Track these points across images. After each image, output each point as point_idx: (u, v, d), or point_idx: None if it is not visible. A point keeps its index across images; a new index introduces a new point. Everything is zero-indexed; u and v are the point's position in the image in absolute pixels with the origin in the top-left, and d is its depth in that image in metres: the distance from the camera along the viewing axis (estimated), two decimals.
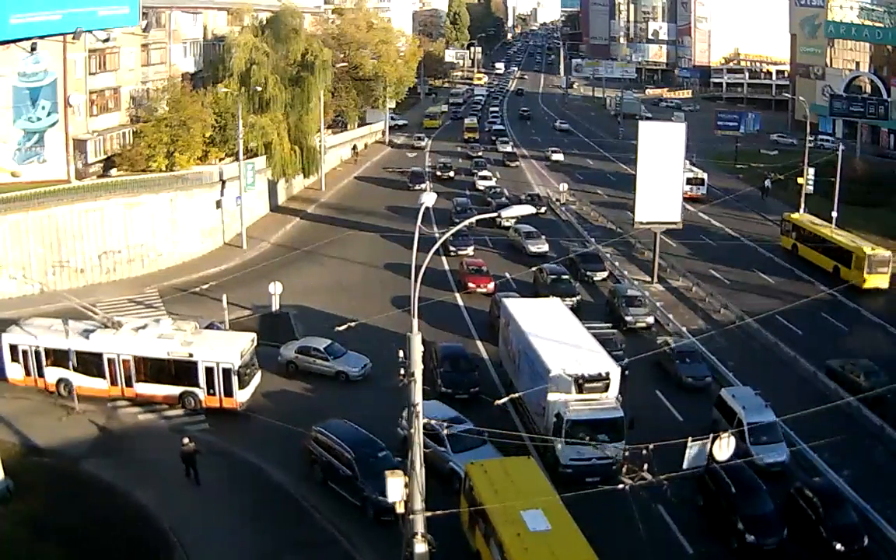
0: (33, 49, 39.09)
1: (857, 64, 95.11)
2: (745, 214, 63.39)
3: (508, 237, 53.61)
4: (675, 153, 45.65)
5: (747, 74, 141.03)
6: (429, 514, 18.30)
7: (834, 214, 53.84)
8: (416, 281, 17.68)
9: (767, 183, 67.17)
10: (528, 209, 21.84)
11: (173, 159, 51.24)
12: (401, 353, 18.39)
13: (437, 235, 40.70)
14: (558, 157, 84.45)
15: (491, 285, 44.16)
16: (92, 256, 44.46)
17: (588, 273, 46.31)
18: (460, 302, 42.91)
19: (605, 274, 46.88)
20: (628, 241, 52.82)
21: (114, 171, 50.69)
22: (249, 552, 23.21)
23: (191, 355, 30.57)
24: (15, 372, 31.97)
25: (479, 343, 37.72)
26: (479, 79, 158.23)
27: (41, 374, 31.65)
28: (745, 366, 35.28)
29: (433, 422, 24.89)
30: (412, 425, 18.17)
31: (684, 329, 39.34)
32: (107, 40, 49.08)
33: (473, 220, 34.12)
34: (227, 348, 30.84)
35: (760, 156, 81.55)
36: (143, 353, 30.92)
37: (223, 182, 51.87)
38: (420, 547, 18.21)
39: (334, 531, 24.10)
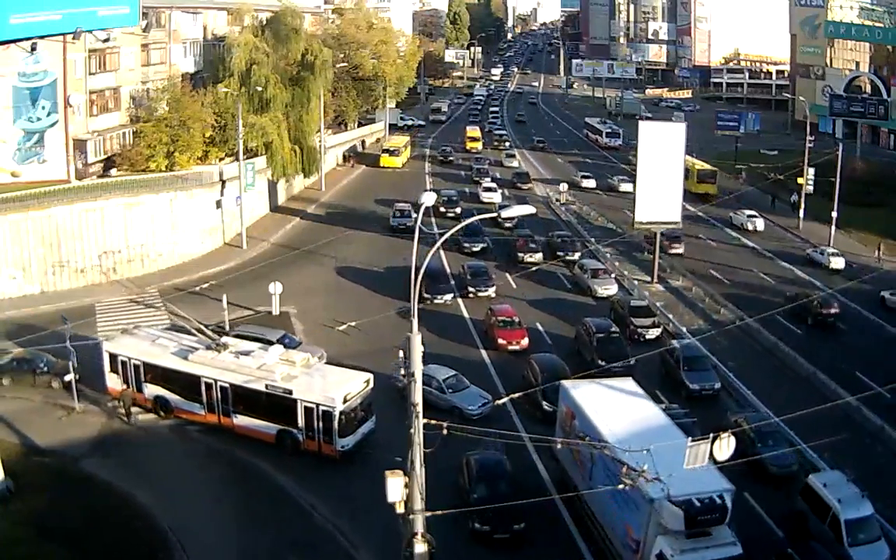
0: (33, 49, 38.95)
1: (857, 64, 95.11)
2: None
3: (573, 274, 46.61)
4: (675, 153, 45.63)
5: (747, 74, 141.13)
6: (429, 514, 18.28)
7: (834, 214, 54.04)
8: (415, 281, 17.66)
9: (794, 198, 61.08)
10: (528, 209, 20.91)
11: (173, 159, 51.26)
12: (401, 354, 18.30)
13: (436, 235, 40.43)
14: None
15: (525, 341, 36.50)
16: (92, 256, 44.42)
17: (640, 330, 38.01)
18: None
19: (658, 331, 38.42)
20: (628, 241, 52.87)
21: (114, 171, 50.71)
22: (249, 552, 23.20)
23: (290, 392, 27.64)
24: (114, 382, 31.03)
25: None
26: (468, 90, 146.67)
27: (139, 390, 30.41)
28: (746, 366, 35.25)
29: None
30: (412, 425, 18.12)
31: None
32: (107, 40, 49.02)
33: (473, 220, 34.03)
34: (331, 388, 27.39)
35: (760, 156, 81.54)
36: (241, 382, 28.38)
37: (223, 182, 51.86)
38: (420, 547, 18.20)
39: (334, 531, 24.11)
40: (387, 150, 78.78)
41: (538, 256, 48.63)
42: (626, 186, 67.17)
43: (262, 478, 26.79)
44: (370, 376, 28.40)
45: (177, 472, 27.13)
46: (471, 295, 42.64)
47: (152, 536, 23.28)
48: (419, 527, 18.16)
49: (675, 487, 20.11)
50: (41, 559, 22.05)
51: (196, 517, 24.40)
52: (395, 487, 17.85)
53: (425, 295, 39.64)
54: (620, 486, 19.84)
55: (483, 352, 36.69)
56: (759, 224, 59.10)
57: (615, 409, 24.75)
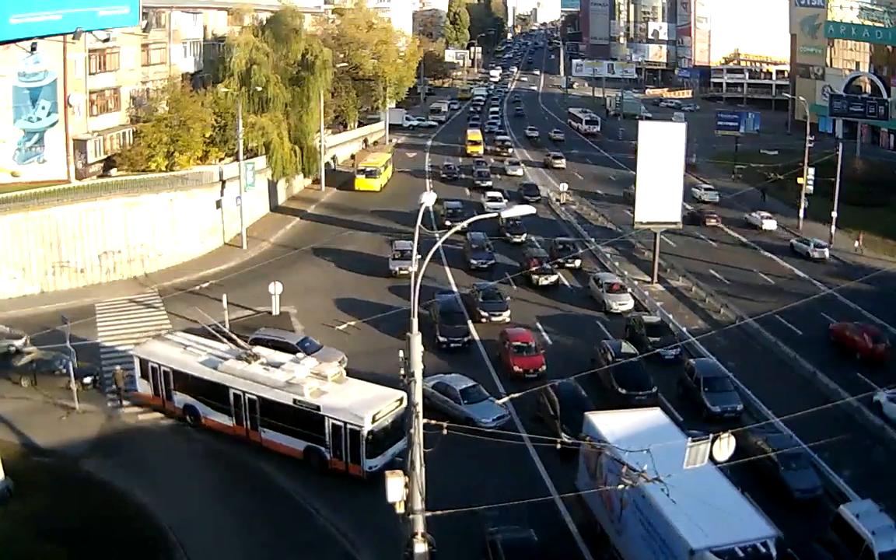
0: (33, 49, 39.07)
1: (857, 64, 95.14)
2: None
3: (589, 289, 44.85)
4: (675, 153, 45.62)
5: (747, 74, 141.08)
6: (429, 514, 18.28)
7: (834, 214, 54.03)
8: (415, 282, 17.65)
9: (802, 202, 59.19)
10: (528, 209, 20.95)
11: (173, 159, 51.22)
12: (401, 353, 18.28)
13: (436, 236, 40.29)
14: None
15: (542, 367, 33.91)
16: (92, 256, 44.41)
17: (658, 351, 35.38)
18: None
19: (676, 351, 36.14)
20: (628, 241, 52.87)
21: (114, 171, 50.68)
22: (249, 552, 23.21)
23: (317, 408, 26.60)
24: (144, 388, 30.76)
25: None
26: (465, 95, 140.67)
27: (169, 397, 30.05)
28: (746, 366, 35.19)
29: None
30: (412, 425, 18.11)
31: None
32: (107, 40, 49.04)
33: (471, 221, 33.87)
34: (359, 407, 26.19)
35: (760, 156, 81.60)
36: (269, 394, 27.48)
37: (223, 182, 51.86)
38: (420, 547, 18.19)
39: (334, 531, 24.10)
40: (363, 171, 68.86)
41: (553, 279, 45.48)
42: (558, 136, 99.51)
43: (263, 478, 26.75)
44: (403, 395, 26.21)
45: (177, 472, 27.17)
46: (483, 319, 39.52)
47: (152, 536, 23.24)
48: (419, 527, 18.16)
49: (717, 536, 18.87)
50: (41, 559, 22.04)
51: (196, 517, 24.40)
52: (395, 487, 17.85)
53: (440, 338, 36.49)
54: (620, 487, 19.66)
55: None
56: (714, 196, 67.34)
57: (647, 445, 21.25)
